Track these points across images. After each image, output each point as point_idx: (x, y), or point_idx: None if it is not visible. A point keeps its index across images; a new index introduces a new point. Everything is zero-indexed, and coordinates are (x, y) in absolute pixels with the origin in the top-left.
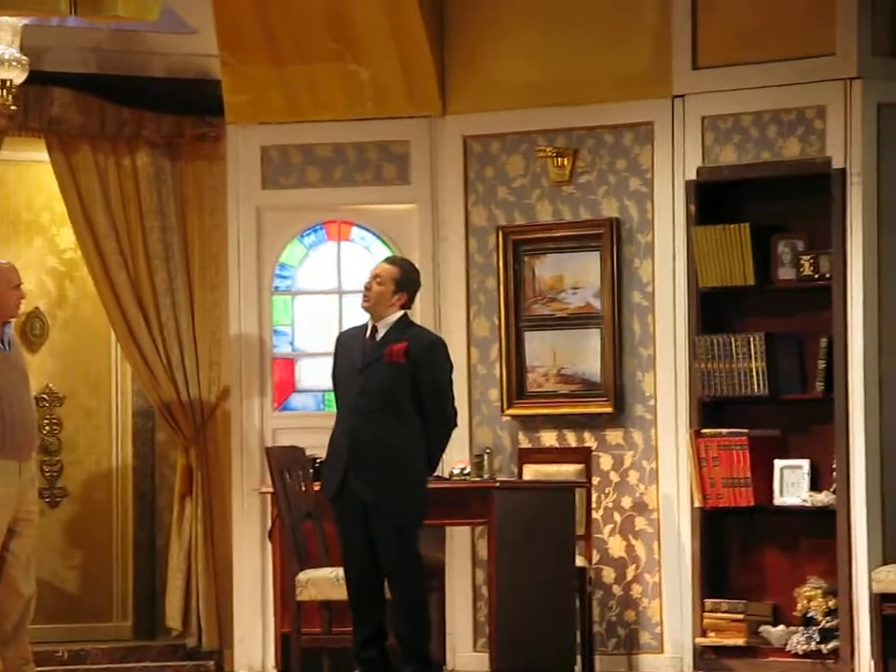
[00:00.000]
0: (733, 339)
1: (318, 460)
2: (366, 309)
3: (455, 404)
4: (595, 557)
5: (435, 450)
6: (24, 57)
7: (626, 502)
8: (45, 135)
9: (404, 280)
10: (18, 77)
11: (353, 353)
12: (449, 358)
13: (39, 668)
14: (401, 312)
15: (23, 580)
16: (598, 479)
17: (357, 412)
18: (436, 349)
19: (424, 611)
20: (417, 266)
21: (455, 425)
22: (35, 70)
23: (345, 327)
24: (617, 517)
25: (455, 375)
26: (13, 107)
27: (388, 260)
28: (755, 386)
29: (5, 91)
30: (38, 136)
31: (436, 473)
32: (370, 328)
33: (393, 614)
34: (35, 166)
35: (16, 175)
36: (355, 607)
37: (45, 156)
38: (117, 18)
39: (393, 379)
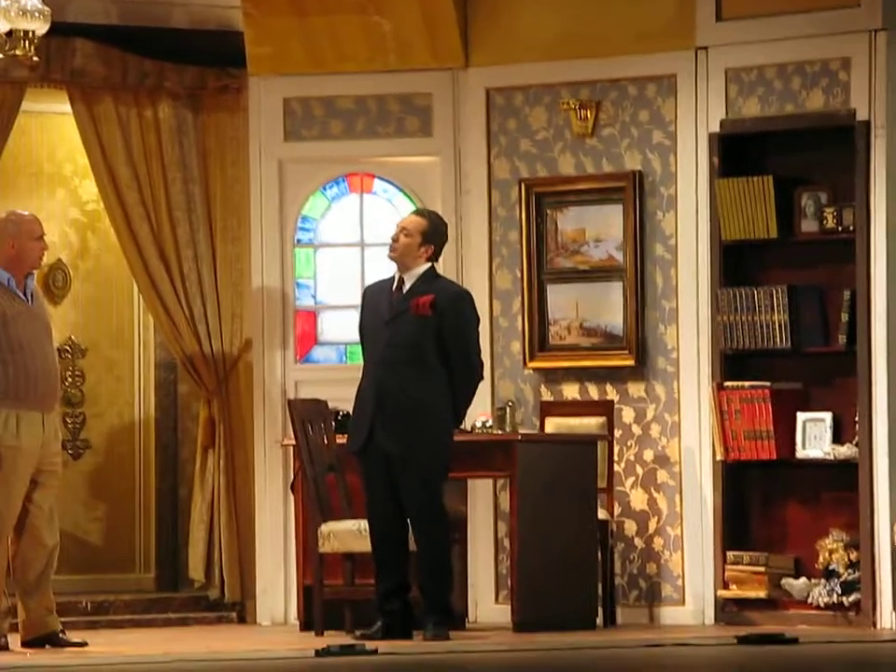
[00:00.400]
0: (755, 292)
1: (341, 412)
2: (393, 259)
3: (482, 357)
4: (617, 510)
5: (461, 402)
6: (46, 8)
7: (648, 455)
8: (67, 87)
9: (432, 232)
10: (40, 28)
11: (380, 305)
12: (475, 311)
13: (62, 619)
14: (428, 264)
15: (47, 530)
16: (620, 432)
17: (383, 364)
18: (462, 301)
19: (447, 564)
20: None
21: (482, 377)
22: (56, 21)
23: (368, 280)
24: (639, 470)
25: (480, 328)
26: (35, 58)
27: (416, 212)
28: (777, 339)
29: (27, 42)
30: (60, 88)
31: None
32: (396, 280)
33: (417, 566)
34: (57, 118)
35: (38, 126)
36: (379, 559)
37: (67, 107)
38: None
39: (419, 331)
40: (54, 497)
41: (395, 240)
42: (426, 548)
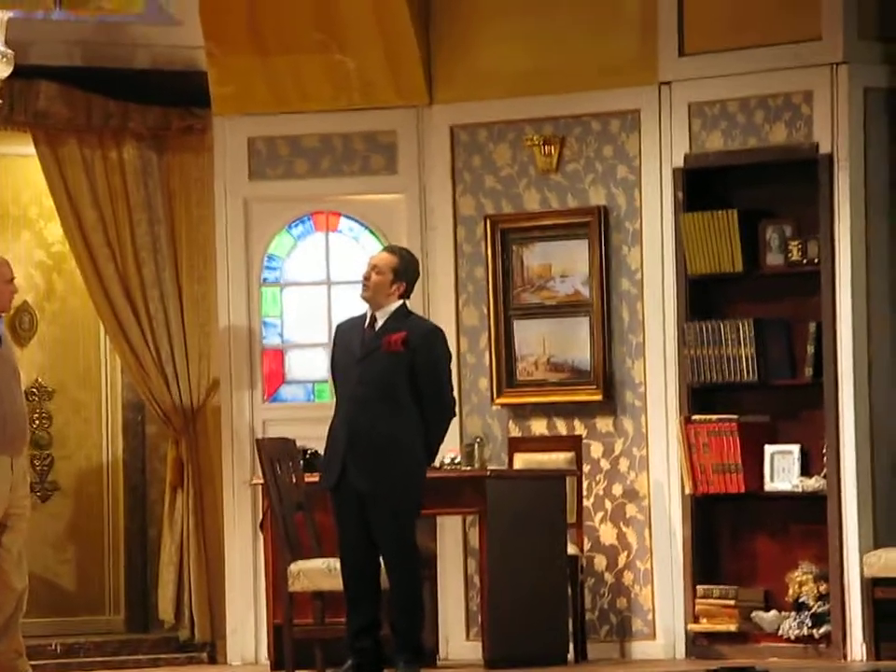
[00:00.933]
0: (722, 325)
1: (309, 451)
2: (365, 299)
3: (454, 393)
4: (587, 545)
5: (433, 439)
6: (10, 51)
7: (617, 490)
8: (31, 129)
9: (403, 269)
10: (3, 70)
11: (352, 343)
12: (447, 347)
13: (32, 662)
14: (400, 301)
15: (15, 574)
16: (589, 467)
17: (355, 401)
18: (434, 338)
19: (419, 602)
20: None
21: (454, 414)
22: (20, 64)
23: (335, 318)
24: (608, 504)
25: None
26: None
27: (387, 249)
28: (745, 372)
29: None
30: (24, 130)
31: None
32: (368, 317)
33: (388, 604)
34: (21, 160)
35: (3, 168)
36: (350, 596)
37: (31, 150)
38: (101, 10)
39: (391, 368)
40: (22, 540)
41: (366, 278)
42: (397, 585)
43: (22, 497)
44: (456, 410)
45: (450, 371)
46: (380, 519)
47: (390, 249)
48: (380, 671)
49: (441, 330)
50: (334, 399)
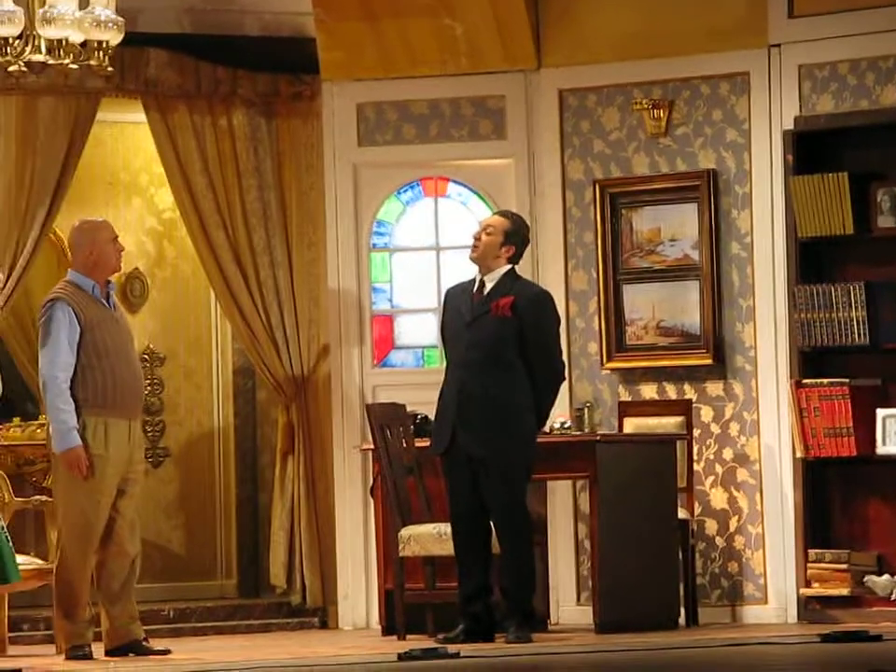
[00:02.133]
0: (832, 288)
1: (419, 416)
2: (473, 260)
3: (564, 357)
4: (697, 509)
5: (544, 404)
6: (120, 18)
7: (728, 454)
8: (141, 96)
9: (514, 233)
10: (114, 38)
11: (461, 307)
12: (556, 312)
13: (146, 627)
14: (508, 266)
15: (129, 539)
16: (699, 431)
17: (464, 366)
18: (542, 302)
19: (530, 566)
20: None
21: (564, 378)
22: (130, 31)
23: (443, 283)
24: (718, 469)
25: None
26: (109, 69)
27: (500, 213)
28: (856, 336)
29: (101, 52)
30: (135, 97)
31: None
32: (477, 282)
33: (499, 569)
34: (131, 127)
35: (113, 136)
36: (461, 561)
37: (142, 117)
38: None
39: (500, 333)
40: (135, 505)
41: (477, 238)
42: (509, 550)
43: (138, 463)
44: (566, 374)
45: (559, 334)
46: (491, 483)
47: (502, 213)
48: (491, 636)
49: (549, 294)
50: (445, 364)
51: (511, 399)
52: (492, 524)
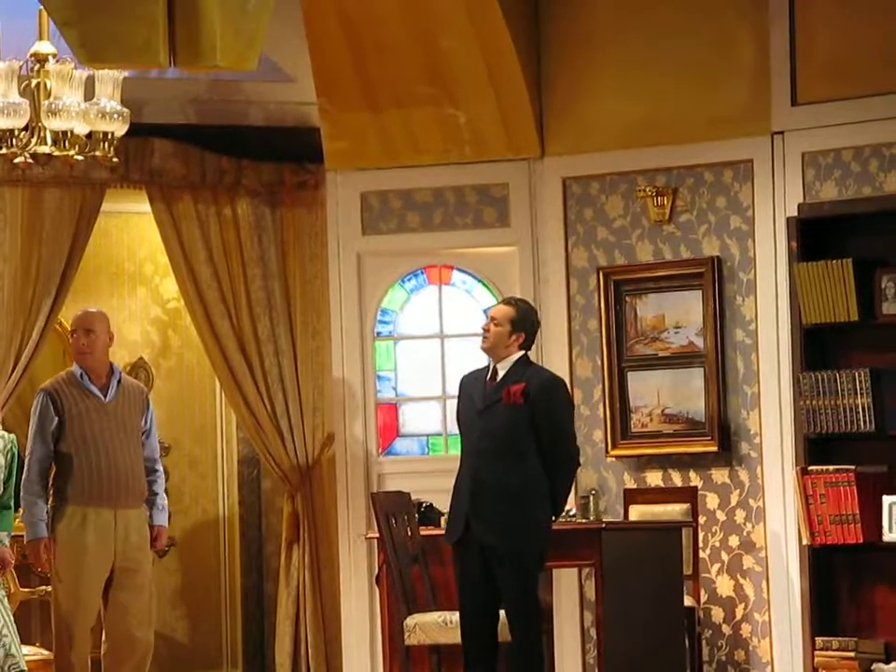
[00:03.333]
0: (837, 375)
1: (424, 504)
2: (485, 350)
3: (577, 443)
4: (704, 597)
5: (559, 491)
6: (125, 109)
7: (734, 541)
8: (146, 186)
9: (521, 320)
10: (119, 129)
11: (474, 395)
12: (570, 396)
13: None
14: (521, 352)
15: (137, 630)
16: (705, 518)
17: (477, 454)
18: (554, 388)
19: (540, 654)
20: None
21: (579, 464)
22: (135, 122)
23: (448, 371)
24: (724, 556)
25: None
26: (115, 160)
27: (504, 301)
28: (861, 422)
29: (106, 143)
30: (140, 188)
31: None
32: (490, 369)
33: (509, 656)
34: (136, 217)
35: (118, 226)
36: (469, 651)
37: (146, 207)
38: (216, 68)
39: (513, 420)
40: (145, 597)
41: (486, 329)
42: (520, 639)
43: (134, 551)
44: (581, 459)
45: (573, 419)
46: (504, 573)
47: (507, 301)
48: None
49: (561, 380)
50: (450, 452)
51: (525, 488)
52: (504, 612)
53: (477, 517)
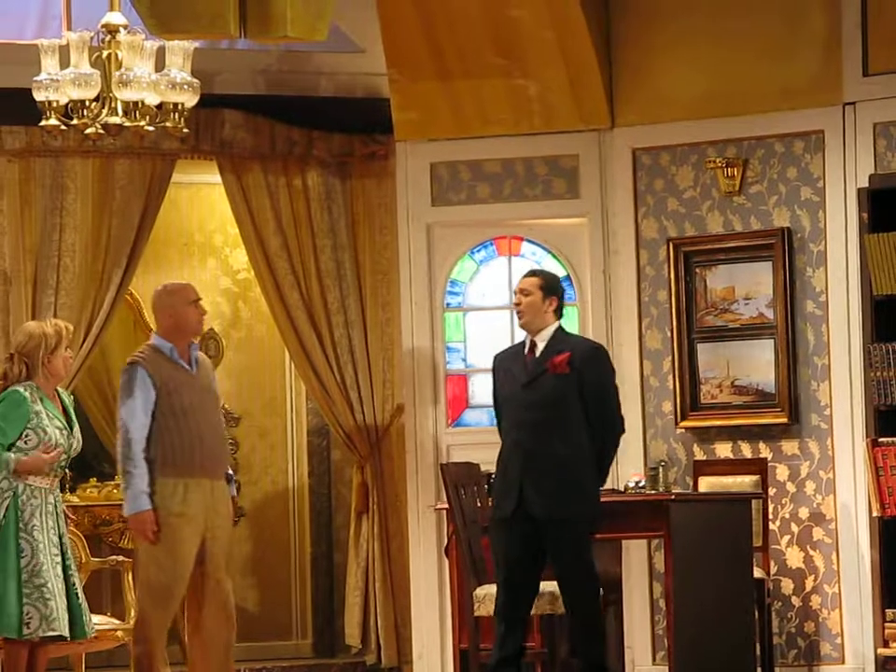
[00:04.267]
0: None
1: (493, 475)
2: (524, 325)
3: (622, 411)
4: (773, 568)
5: (605, 458)
6: (195, 80)
7: (803, 513)
8: (216, 157)
9: (549, 285)
10: (189, 100)
11: (514, 370)
12: (611, 364)
13: None
14: (557, 323)
15: (225, 601)
16: (774, 490)
17: (525, 427)
18: (599, 355)
19: (601, 624)
20: (585, 278)
21: (623, 430)
22: (205, 93)
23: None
24: (794, 528)
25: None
26: (185, 130)
27: (527, 274)
28: None
29: (177, 114)
30: (210, 159)
31: (610, 486)
32: (528, 344)
33: (570, 629)
34: (206, 188)
35: (188, 197)
36: (507, 622)
37: (217, 178)
38: (286, 39)
39: (559, 390)
40: (227, 567)
41: (518, 304)
42: (580, 609)
43: (223, 518)
44: (626, 426)
45: (616, 387)
46: (558, 543)
47: (529, 273)
48: None
49: (604, 347)
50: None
51: (575, 457)
52: (556, 584)
53: (533, 488)
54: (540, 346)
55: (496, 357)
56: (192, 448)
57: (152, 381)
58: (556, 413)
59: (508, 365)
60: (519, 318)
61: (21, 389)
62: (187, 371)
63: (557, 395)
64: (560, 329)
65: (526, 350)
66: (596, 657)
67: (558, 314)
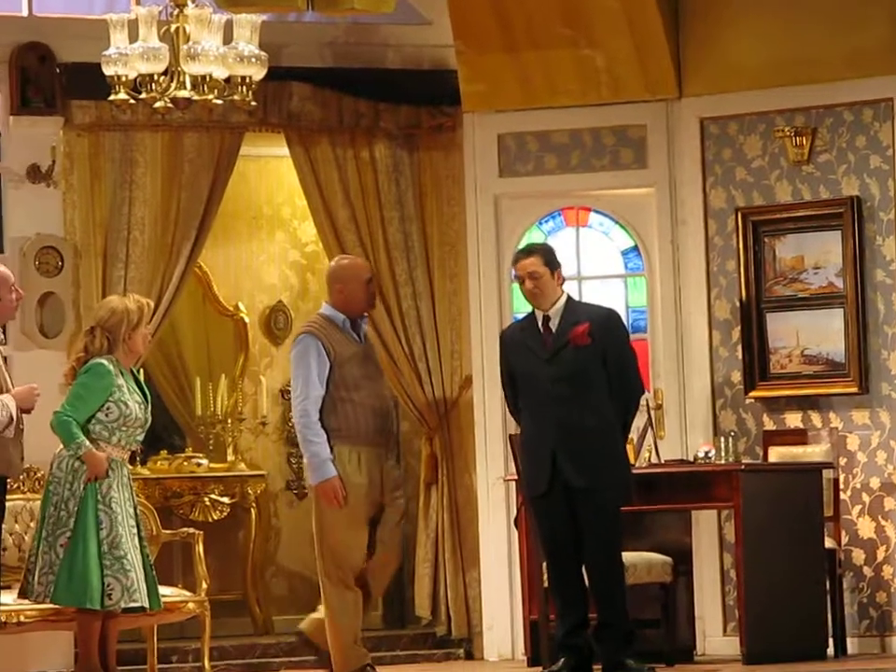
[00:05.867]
0: None
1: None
2: (539, 306)
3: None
4: (844, 539)
5: (628, 424)
6: (263, 53)
7: (874, 483)
8: (284, 130)
9: (550, 259)
10: (257, 73)
11: (530, 346)
12: (626, 327)
13: (292, 658)
14: (565, 295)
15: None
16: (845, 460)
17: (554, 401)
18: (616, 320)
19: (625, 588)
20: (654, 248)
21: (644, 391)
22: (273, 66)
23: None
24: (865, 498)
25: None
26: (253, 103)
27: (524, 254)
28: None
29: (244, 87)
30: (278, 131)
31: (680, 456)
32: (541, 318)
33: (595, 595)
34: (274, 161)
35: (256, 170)
36: (563, 595)
37: (284, 150)
38: (353, 11)
39: (584, 360)
40: (399, 532)
41: (529, 289)
42: (607, 576)
43: (392, 490)
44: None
45: (634, 350)
46: (595, 510)
47: (525, 253)
48: (590, 669)
49: (616, 311)
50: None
51: (606, 426)
52: (585, 551)
53: (569, 460)
54: (555, 320)
55: (504, 335)
56: (366, 418)
57: (326, 351)
58: (583, 385)
59: (522, 341)
60: (532, 300)
61: (105, 362)
62: (357, 342)
63: (581, 366)
64: (569, 299)
65: (540, 325)
66: (623, 621)
67: (563, 281)
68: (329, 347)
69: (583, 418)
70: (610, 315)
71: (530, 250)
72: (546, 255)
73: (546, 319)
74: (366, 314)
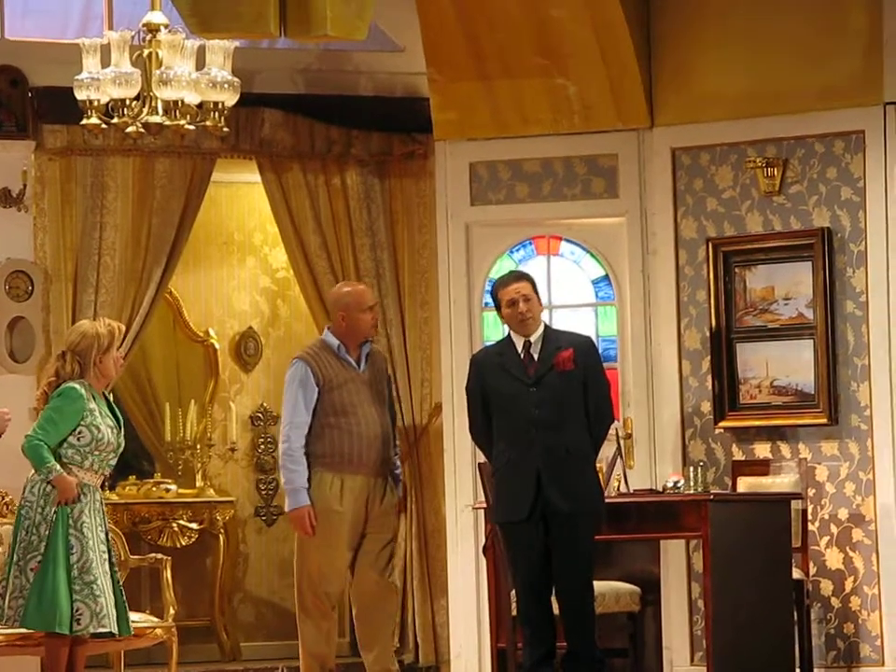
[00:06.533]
0: None
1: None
2: (527, 329)
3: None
4: (812, 569)
5: (598, 448)
6: (235, 79)
7: (843, 514)
8: (256, 156)
9: (535, 285)
10: (229, 99)
11: (510, 370)
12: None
13: None
14: (542, 322)
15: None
16: (814, 490)
17: (538, 425)
18: (594, 348)
19: (594, 614)
20: (624, 277)
21: (614, 419)
22: (245, 92)
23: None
24: (834, 529)
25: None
26: (225, 129)
27: (514, 279)
28: None
29: (217, 113)
30: (249, 158)
31: (649, 486)
32: (521, 344)
33: (565, 622)
34: (246, 187)
35: (228, 196)
36: (534, 625)
37: (256, 177)
38: (326, 38)
39: (567, 386)
40: (381, 562)
41: (525, 311)
42: (580, 602)
43: (380, 516)
44: (615, 416)
45: (607, 377)
46: (574, 535)
47: (516, 277)
48: None
49: (591, 338)
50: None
51: (584, 451)
52: (557, 576)
53: (553, 484)
54: (538, 345)
55: (477, 358)
56: (351, 445)
57: (315, 378)
58: (566, 410)
59: (500, 364)
60: (522, 323)
61: (77, 386)
62: (353, 368)
63: (564, 391)
64: (547, 325)
65: (520, 350)
66: (592, 650)
67: None
68: (318, 373)
69: (567, 443)
70: (590, 342)
71: (520, 275)
72: (533, 281)
73: (527, 345)
74: (370, 339)
